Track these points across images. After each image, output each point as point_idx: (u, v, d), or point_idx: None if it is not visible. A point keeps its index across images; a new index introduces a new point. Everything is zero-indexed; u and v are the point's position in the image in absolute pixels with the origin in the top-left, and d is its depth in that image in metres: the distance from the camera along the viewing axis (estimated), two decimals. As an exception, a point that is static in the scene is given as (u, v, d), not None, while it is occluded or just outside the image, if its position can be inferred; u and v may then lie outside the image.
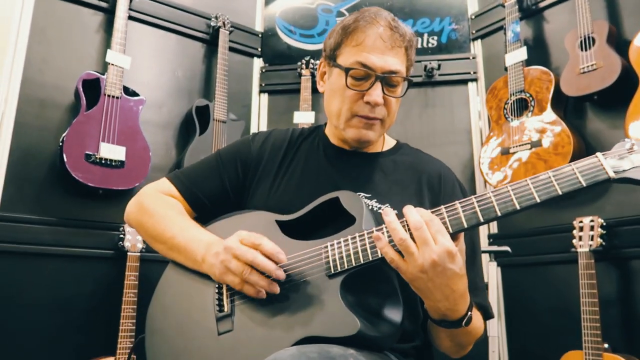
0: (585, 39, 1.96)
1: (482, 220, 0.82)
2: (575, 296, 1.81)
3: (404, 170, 1.12)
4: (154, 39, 2.45)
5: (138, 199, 1.14)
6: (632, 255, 1.88)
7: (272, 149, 1.17)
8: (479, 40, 2.58)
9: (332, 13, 2.79)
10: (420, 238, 0.79)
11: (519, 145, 2.09)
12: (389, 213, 0.84)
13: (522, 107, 2.15)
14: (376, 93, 1.02)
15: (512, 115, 2.16)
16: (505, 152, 2.14)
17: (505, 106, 2.19)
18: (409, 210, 0.82)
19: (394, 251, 0.82)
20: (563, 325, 2.01)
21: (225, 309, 0.92)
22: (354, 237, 0.89)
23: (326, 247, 0.90)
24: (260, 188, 1.13)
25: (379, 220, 0.92)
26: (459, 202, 0.84)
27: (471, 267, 1.04)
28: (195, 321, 0.94)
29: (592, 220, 1.87)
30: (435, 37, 2.65)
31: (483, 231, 2.36)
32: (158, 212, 1.08)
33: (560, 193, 0.78)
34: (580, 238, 1.86)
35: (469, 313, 0.88)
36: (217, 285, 0.95)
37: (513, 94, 2.17)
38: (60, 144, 1.96)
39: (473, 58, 2.55)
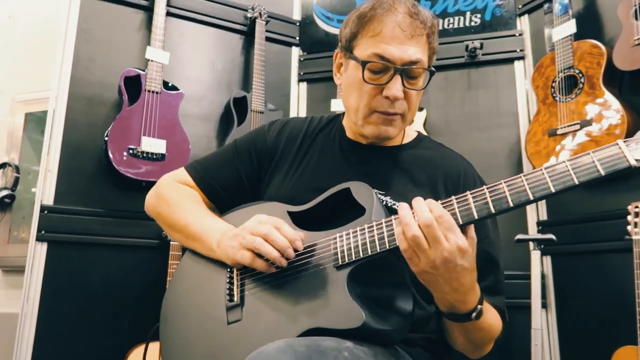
0: (640, 7, 1.79)
1: (493, 211, 0.78)
2: (631, 287, 1.67)
3: (422, 166, 1.08)
4: (193, 33, 2.51)
5: (156, 189, 1.17)
6: (696, 243, 1.71)
7: (288, 139, 1.16)
8: (526, 16, 2.42)
9: (370, -4, 2.72)
10: (431, 236, 0.76)
11: (568, 126, 1.96)
12: (404, 207, 0.81)
13: (571, 84, 2.00)
14: (396, 87, 0.96)
15: (560, 93, 2.02)
16: (553, 134, 2.01)
17: (553, 84, 2.05)
18: (419, 205, 0.79)
19: (407, 246, 0.79)
20: (617, 319, 1.87)
21: (235, 299, 0.93)
22: (363, 229, 0.87)
23: (335, 238, 0.89)
24: (275, 178, 1.13)
25: (390, 212, 0.90)
26: (470, 193, 0.80)
27: (489, 273, 1.00)
28: (206, 310, 0.96)
29: (649, 205, 1.72)
30: (479, 15, 2.52)
31: (532, 218, 2.24)
32: (174, 201, 1.11)
33: (576, 183, 0.72)
34: (635, 224, 1.72)
35: (479, 306, 0.85)
36: (228, 276, 0.97)
37: (561, 71, 2.02)
38: (105, 139, 2.06)
39: (519, 35, 2.40)
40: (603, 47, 1.92)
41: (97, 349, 2.03)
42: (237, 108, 2.40)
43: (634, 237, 1.71)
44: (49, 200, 2.04)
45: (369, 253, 0.83)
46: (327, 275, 0.86)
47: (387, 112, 1.00)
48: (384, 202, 0.99)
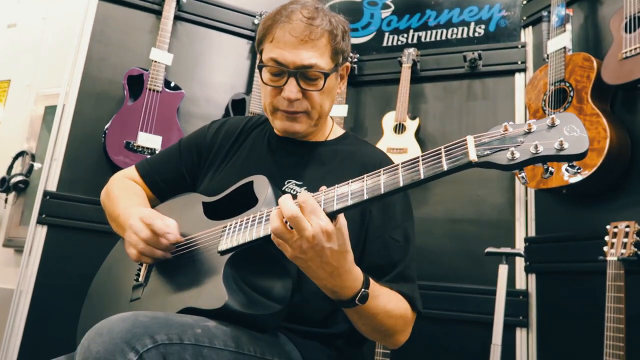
0: (631, 20, 1.72)
1: (365, 197, 0.78)
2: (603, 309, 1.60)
3: (342, 160, 1.12)
4: (201, 36, 2.62)
5: (107, 185, 1.27)
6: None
7: (224, 136, 1.23)
8: (530, 28, 2.37)
9: (377, 5, 2.75)
10: (295, 224, 0.79)
11: (555, 141, 1.90)
12: (285, 198, 0.84)
13: (561, 98, 1.94)
14: (289, 89, 1.03)
15: (549, 107, 1.96)
16: (540, 148, 1.95)
17: (544, 97, 2.00)
18: (284, 201, 0.81)
19: (274, 233, 0.82)
20: (598, 341, 1.79)
21: (140, 279, 1.00)
22: (248, 218, 0.91)
23: (225, 226, 0.94)
24: (209, 172, 1.20)
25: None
26: (352, 180, 0.82)
27: (402, 258, 1.01)
28: (117, 287, 1.03)
29: (627, 226, 1.64)
30: (483, 26, 2.49)
31: (520, 233, 2.17)
32: (115, 194, 1.20)
33: (422, 177, 0.73)
34: (612, 245, 1.65)
35: (363, 290, 0.87)
36: None
37: (552, 84, 1.97)
38: (105, 131, 2.20)
39: (522, 47, 2.35)
40: (594, 61, 1.85)
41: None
42: (236, 110, 2.49)
43: (608, 258, 1.64)
44: (52, 187, 2.20)
45: (246, 240, 0.87)
46: (211, 260, 0.91)
47: (287, 111, 1.06)
48: (295, 193, 1.03)
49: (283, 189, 1.06)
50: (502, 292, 1.68)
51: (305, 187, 1.05)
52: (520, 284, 2.11)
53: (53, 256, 2.17)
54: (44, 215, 2.16)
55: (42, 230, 2.17)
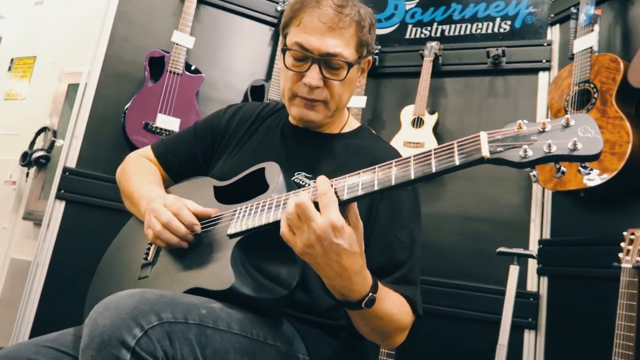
0: (662, 22, 1.68)
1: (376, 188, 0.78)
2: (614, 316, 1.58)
3: (354, 154, 1.11)
4: (224, 21, 2.63)
5: (123, 163, 1.29)
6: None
7: (239, 121, 1.23)
8: (557, 26, 2.32)
9: (402, -4, 2.72)
10: (304, 215, 0.79)
11: (575, 142, 1.86)
12: (300, 193, 0.84)
13: (584, 99, 1.90)
14: (311, 75, 1.02)
15: (572, 108, 1.93)
16: (560, 149, 1.92)
17: (567, 98, 1.96)
18: (300, 195, 0.81)
19: (286, 224, 0.83)
20: (598, 347, 1.77)
21: (149, 258, 1.01)
22: (259, 203, 0.91)
23: (236, 210, 0.95)
24: (222, 156, 1.21)
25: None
26: (363, 171, 0.81)
27: (407, 260, 1.00)
28: (127, 265, 1.05)
29: (644, 233, 1.61)
30: (509, 22, 2.44)
31: (534, 235, 2.15)
32: (130, 171, 1.22)
33: (433, 171, 0.72)
34: (628, 252, 1.62)
35: (371, 294, 0.85)
36: None
37: (576, 85, 1.93)
38: (125, 112, 2.22)
39: (547, 45, 2.30)
40: (621, 62, 1.81)
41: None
42: (255, 96, 2.49)
43: (623, 265, 1.61)
44: (72, 163, 2.24)
45: (255, 225, 0.88)
46: (220, 242, 0.92)
47: (306, 98, 1.05)
48: (306, 184, 1.03)
49: (292, 179, 1.06)
50: (511, 292, 1.66)
51: (314, 180, 1.05)
52: (531, 286, 2.09)
53: (70, 231, 2.22)
54: (62, 191, 2.21)
55: (61, 205, 2.22)
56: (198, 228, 0.96)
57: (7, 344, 2.18)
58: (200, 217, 0.98)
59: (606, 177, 1.70)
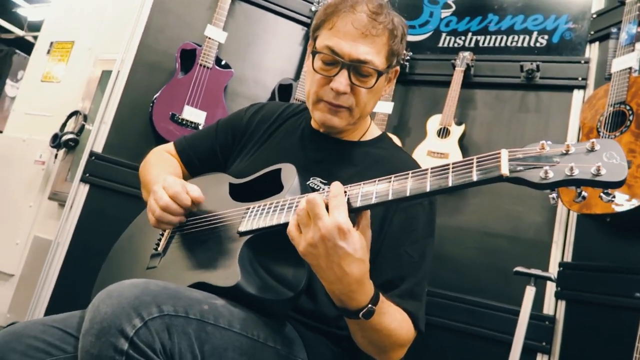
0: None
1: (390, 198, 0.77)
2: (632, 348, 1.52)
3: (372, 163, 1.10)
4: (257, 18, 2.64)
5: (146, 156, 1.31)
6: None
7: (260, 121, 1.23)
8: (597, 43, 2.25)
9: (438, 4, 2.68)
10: (313, 212, 0.78)
11: (606, 165, 1.80)
12: (314, 194, 0.83)
13: (618, 121, 1.84)
14: (339, 80, 1.00)
15: (605, 129, 1.86)
16: (589, 171, 1.86)
17: (600, 118, 1.90)
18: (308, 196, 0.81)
19: (295, 221, 0.82)
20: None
21: (159, 249, 1.02)
22: (272, 203, 0.91)
23: (248, 208, 0.94)
24: (241, 154, 1.21)
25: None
26: (378, 180, 0.80)
27: (413, 274, 0.98)
28: (137, 253, 1.06)
29: (671, 265, 1.54)
30: (546, 36, 2.38)
31: (555, 257, 2.09)
32: (151, 163, 1.24)
33: (450, 185, 0.70)
34: (652, 283, 1.56)
35: (370, 306, 0.84)
36: None
37: (611, 105, 1.86)
38: (153, 101, 2.26)
39: (585, 62, 2.24)
40: (661, 86, 1.74)
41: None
42: (282, 94, 2.50)
43: (645, 296, 1.55)
44: (99, 148, 2.29)
45: (266, 225, 0.88)
46: (230, 240, 0.92)
47: (332, 103, 1.03)
48: (320, 188, 1.02)
49: (308, 183, 1.05)
50: (525, 314, 1.62)
51: (329, 187, 1.03)
52: (548, 309, 2.03)
53: (92, 214, 2.26)
54: (87, 175, 2.26)
55: (85, 189, 2.27)
56: (194, 194, 0.98)
57: (22, 319, 2.23)
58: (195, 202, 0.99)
59: (635, 202, 1.64)
